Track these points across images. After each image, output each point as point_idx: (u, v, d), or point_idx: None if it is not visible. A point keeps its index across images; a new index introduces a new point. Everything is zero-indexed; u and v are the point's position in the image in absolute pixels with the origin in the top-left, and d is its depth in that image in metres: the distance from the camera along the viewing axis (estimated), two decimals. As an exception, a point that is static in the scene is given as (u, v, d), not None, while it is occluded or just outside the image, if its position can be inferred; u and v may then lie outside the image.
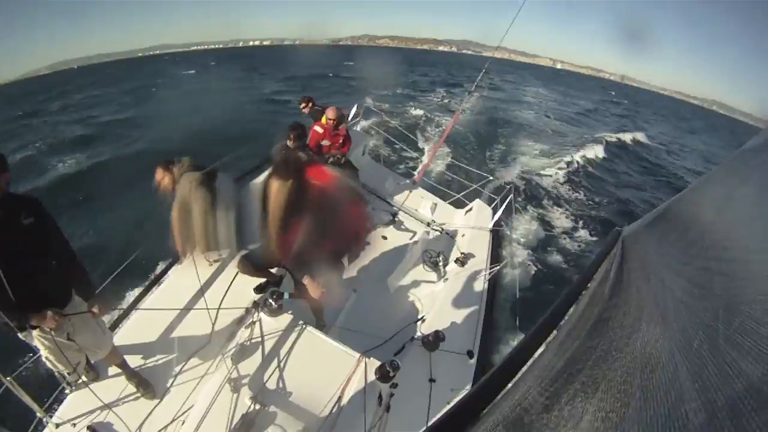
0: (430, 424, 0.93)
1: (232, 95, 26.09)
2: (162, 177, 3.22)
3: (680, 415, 0.59)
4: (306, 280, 2.68)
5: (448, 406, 2.74)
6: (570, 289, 1.27)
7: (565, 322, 1.27)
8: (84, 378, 2.80)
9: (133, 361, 2.98)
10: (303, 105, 6.22)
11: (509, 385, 1.18)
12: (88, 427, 2.58)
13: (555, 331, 1.27)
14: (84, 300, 2.42)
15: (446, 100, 27.01)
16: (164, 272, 3.74)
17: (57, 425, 2.60)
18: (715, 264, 0.74)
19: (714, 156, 29.22)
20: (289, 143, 4.38)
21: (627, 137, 25.55)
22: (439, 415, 0.98)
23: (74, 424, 2.61)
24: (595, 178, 16.54)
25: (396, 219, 5.70)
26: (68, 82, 46.76)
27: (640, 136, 27.32)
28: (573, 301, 1.23)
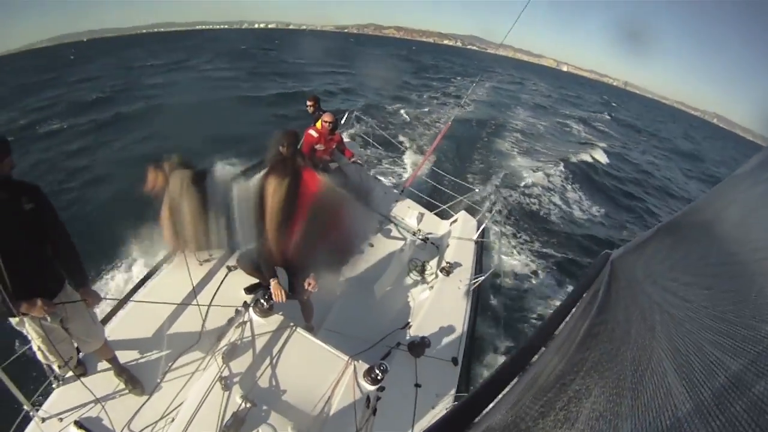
0: (424, 429, 0.97)
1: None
2: (155, 177, 3.22)
3: (670, 406, 0.65)
4: (303, 281, 2.76)
5: (443, 412, 2.78)
6: (560, 306, 1.34)
7: (556, 337, 1.34)
8: (73, 372, 2.72)
9: (123, 356, 2.94)
10: (310, 104, 6.25)
11: (501, 394, 1.23)
12: (76, 422, 2.52)
13: (545, 347, 1.33)
14: (76, 288, 2.38)
15: (441, 96, 27.39)
16: (156, 269, 3.73)
17: (43, 419, 2.53)
18: (701, 279, 0.82)
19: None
20: (282, 149, 4.47)
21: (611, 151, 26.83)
22: (434, 421, 1.02)
23: (61, 419, 2.55)
24: (583, 187, 17.11)
25: (383, 227, 5.78)
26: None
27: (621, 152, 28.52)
28: (563, 317, 1.30)
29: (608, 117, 40.80)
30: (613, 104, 63.27)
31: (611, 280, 1.19)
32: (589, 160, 21.14)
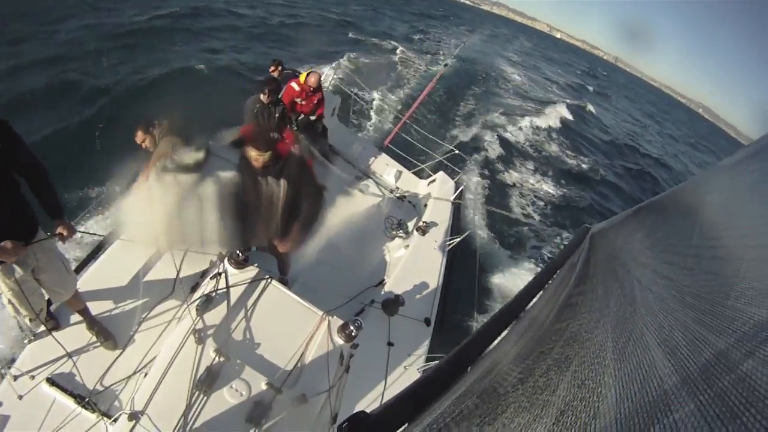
0: (403, 390, 1.00)
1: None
2: (143, 139, 3.30)
3: (655, 378, 0.69)
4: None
5: (414, 373, 2.87)
6: (538, 275, 1.39)
7: (533, 305, 1.40)
8: (44, 326, 2.66)
9: (96, 307, 2.87)
10: (272, 69, 6.15)
11: (479, 359, 1.28)
12: (47, 379, 2.48)
13: (522, 313, 1.39)
14: (51, 219, 2.26)
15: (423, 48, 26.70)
16: None
17: (15, 377, 2.46)
18: (681, 259, 0.87)
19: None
20: (263, 98, 4.38)
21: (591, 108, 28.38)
22: (411, 383, 1.04)
23: (33, 376, 2.49)
24: (561, 146, 17.82)
25: (361, 182, 5.75)
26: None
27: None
28: (541, 286, 1.35)
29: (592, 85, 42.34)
30: (603, 74, 64.69)
31: (590, 253, 1.24)
32: (563, 120, 22.10)
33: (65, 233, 2.26)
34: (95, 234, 3.29)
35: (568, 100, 27.78)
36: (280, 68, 6.15)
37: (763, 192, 0.81)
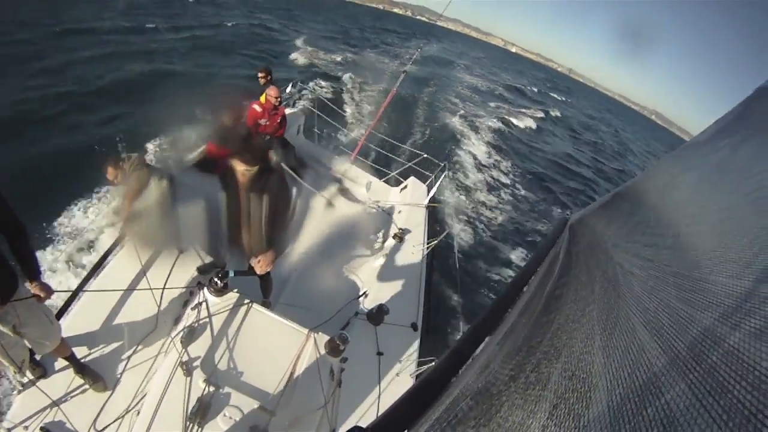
0: (398, 399, 0.97)
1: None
2: (114, 175, 3.34)
3: (644, 362, 0.68)
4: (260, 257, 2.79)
5: (407, 379, 2.83)
6: (522, 270, 1.37)
7: (518, 301, 1.38)
8: (30, 376, 2.63)
9: (80, 351, 2.83)
10: (261, 75, 6.07)
11: (469, 361, 1.26)
12: (41, 429, 2.44)
13: (509, 310, 1.37)
14: (29, 280, 2.22)
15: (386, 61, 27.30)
16: (105, 257, 3.54)
17: (9, 430, 2.42)
18: (660, 240, 0.86)
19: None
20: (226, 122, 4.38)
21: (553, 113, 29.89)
22: (405, 391, 1.02)
23: (26, 427, 2.45)
24: (526, 148, 18.26)
25: (333, 196, 5.72)
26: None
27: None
28: (525, 281, 1.34)
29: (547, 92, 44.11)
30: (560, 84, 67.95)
31: (571, 243, 1.23)
32: (528, 125, 22.88)
33: (42, 295, 2.23)
34: (69, 291, 3.25)
35: (527, 105, 29.70)
36: (269, 77, 6.10)
37: (735, 165, 0.82)
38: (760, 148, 0.78)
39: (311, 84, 15.92)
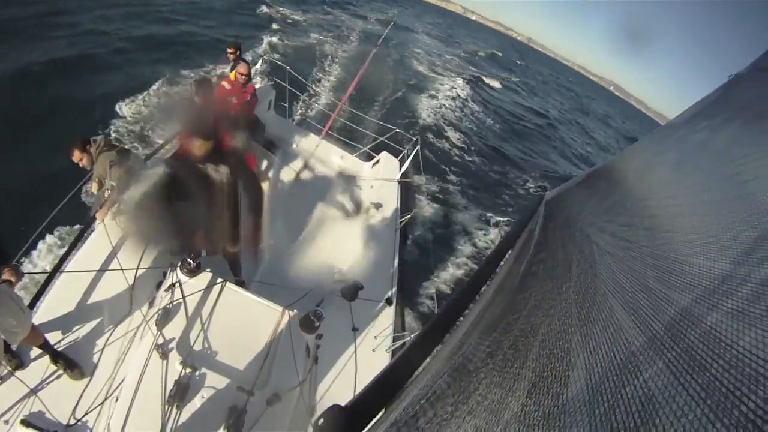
0: (375, 377, 0.97)
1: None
2: (80, 158, 3.34)
3: (622, 341, 0.69)
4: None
5: (383, 354, 2.86)
6: (497, 247, 1.39)
7: (494, 279, 1.40)
8: (8, 367, 2.58)
9: (55, 337, 2.81)
10: (230, 51, 5.85)
11: (444, 338, 1.27)
12: (22, 421, 2.39)
13: (484, 287, 1.39)
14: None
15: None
16: (77, 241, 3.43)
17: None
18: (638, 220, 0.88)
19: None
20: (197, 99, 4.16)
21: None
22: (382, 368, 1.02)
23: (6, 421, 2.41)
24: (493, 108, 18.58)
25: (305, 172, 5.65)
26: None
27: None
28: (501, 258, 1.35)
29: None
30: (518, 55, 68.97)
31: (546, 220, 1.24)
32: (491, 90, 23.49)
33: (13, 279, 2.22)
34: (42, 272, 3.19)
35: (486, 72, 30.38)
36: (238, 53, 5.88)
37: (713, 148, 0.83)
38: (739, 133, 0.79)
39: (273, 39, 15.31)
